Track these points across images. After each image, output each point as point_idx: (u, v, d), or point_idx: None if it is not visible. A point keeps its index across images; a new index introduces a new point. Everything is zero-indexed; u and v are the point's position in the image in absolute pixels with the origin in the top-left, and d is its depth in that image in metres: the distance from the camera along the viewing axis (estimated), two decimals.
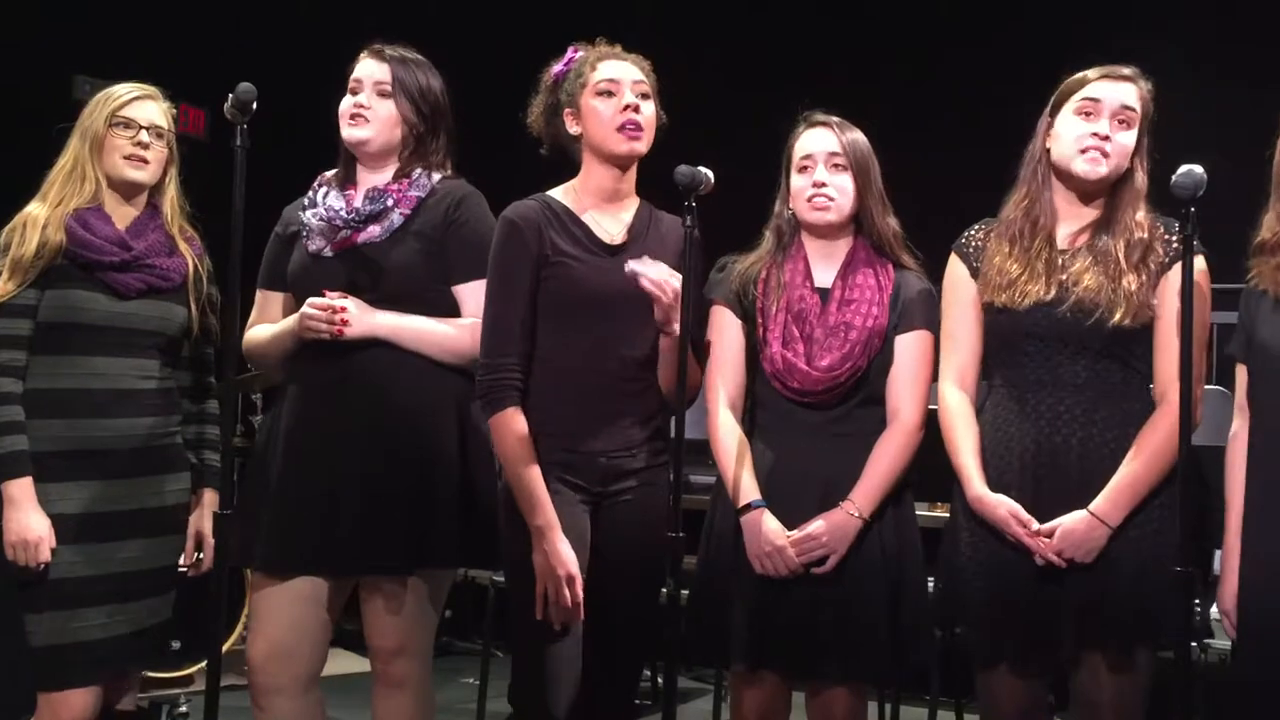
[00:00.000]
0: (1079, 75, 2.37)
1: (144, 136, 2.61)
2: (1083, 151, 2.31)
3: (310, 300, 2.39)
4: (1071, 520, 2.25)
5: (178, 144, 2.70)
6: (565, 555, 2.28)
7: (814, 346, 2.40)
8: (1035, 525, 2.26)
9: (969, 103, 4.72)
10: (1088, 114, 2.33)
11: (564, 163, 2.49)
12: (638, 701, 2.91)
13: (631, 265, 2.28)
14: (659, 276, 2.26)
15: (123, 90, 2.64)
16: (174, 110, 2.70)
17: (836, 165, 2.42)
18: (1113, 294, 2.27)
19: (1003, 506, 2.28)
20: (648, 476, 2.41)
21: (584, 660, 2.34)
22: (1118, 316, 2.26)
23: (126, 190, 2.64)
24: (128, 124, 2.60)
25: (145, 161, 2.62)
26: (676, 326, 2.26)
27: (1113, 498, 2.24)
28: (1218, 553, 2.34)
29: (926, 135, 4.55)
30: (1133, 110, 2.33)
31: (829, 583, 2.35)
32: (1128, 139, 2.33)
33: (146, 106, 2.64)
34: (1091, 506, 2.24)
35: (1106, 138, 2.30)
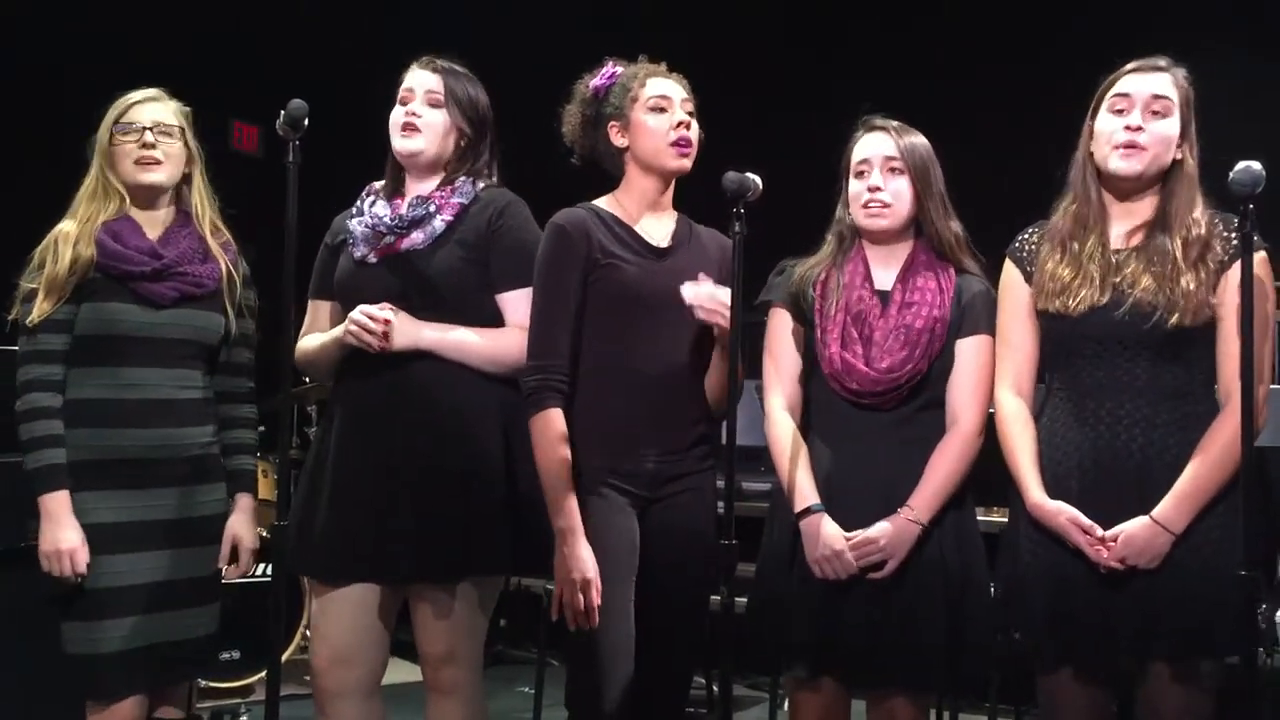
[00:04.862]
0: (1113, 74, 2.34)
1: (149, 137, 2.55)
2: (1116, 148, 2.28)
3: (361, 307, 2.41)
4: (1134, 527, 2.21)
5: (232, 159, 2.71)
6: (584, 560, 2.28)
7: (873, 348, 2.38)
8: (1098, 532, 2.22)
9: (1015, 103, 4.67)
10: (1120, 110, 2.30)
11: (594, 172, 2.50)
12: (691, 710, 2.91)
13: (686, 295, 2.31)
14: (710, 296, 2.30)
15: (125, 96, 2.59)
16: (187, 109, 2.64)
17: (893, 169, 2.40)
18: (1170, 295, 2.23)
19: (1063, 514, 2.25)
20: (695, 481, 2.42)
21: (637, 664, 2.34)
22: (1176, 318, 2.22)
23: (147, 196, 2.60)
24: (130, 128, 2.56)
25: (156, 161, 2.56)
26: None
27: (1175, 503, 2.20)
28: None
29: (967, 136, 4.51)
30: (1166, 99, 2.29)
31: (888, 589, 2.33)
32: (1164, 128, 2.29)
33: (149, 107, 2.58)
34: (1154, 513, 2.20)
35: (1139, 129, 2.27)
